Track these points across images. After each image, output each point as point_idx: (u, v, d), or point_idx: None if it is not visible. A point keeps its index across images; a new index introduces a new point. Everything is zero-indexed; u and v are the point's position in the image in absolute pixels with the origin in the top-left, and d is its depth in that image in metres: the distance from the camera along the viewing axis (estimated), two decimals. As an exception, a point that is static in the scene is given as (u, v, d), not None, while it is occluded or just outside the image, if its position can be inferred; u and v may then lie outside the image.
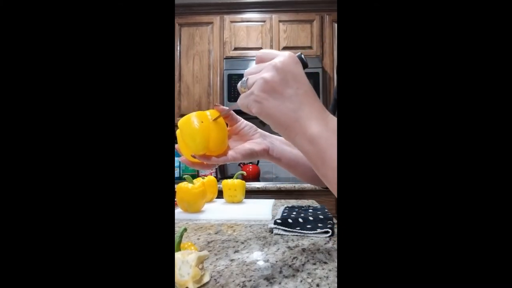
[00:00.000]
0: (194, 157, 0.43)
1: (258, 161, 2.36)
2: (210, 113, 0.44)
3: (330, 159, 0.32)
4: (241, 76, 2.24)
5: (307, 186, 1.89)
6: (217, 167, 0.48)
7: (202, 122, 0.43)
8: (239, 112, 0.42)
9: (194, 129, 0.43)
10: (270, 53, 0.36)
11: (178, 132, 0.45)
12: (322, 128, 0.33)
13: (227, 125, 0.48)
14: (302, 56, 0.37)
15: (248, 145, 0.48)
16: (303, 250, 0.54)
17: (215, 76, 2.21)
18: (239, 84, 0.36)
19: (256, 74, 0.35)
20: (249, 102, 0.34)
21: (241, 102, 0.36)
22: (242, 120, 0.50)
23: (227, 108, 0.46)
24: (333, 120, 0.34)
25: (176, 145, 0.46)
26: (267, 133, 0.51)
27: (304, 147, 0.34)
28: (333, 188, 0.33)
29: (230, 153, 0.45)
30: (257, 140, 0.49)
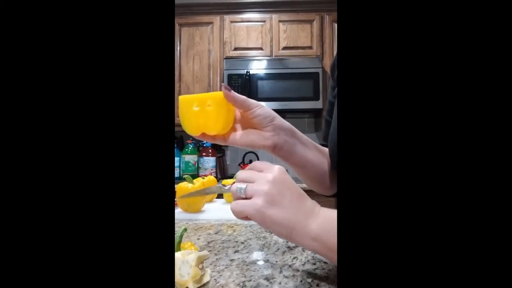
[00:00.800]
0: (191, 135, 0.46)
1: (257, 160, 2.36)
2: (215, 96, 0.45)
3: (335, 246, 0.34)
4: (241, 76, 2.23)
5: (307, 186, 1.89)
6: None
7: (197, 107, 0.45)
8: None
9: (186, 114, 0.46)
10: (261, 166, 0.40)
11: (180, 106, 0.47)
12: (320, 223, 0.36)
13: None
14: None
15: (252, 136, 0.46)
16: (303, 250, 0.54)
17: (215, 76, 2.21)
18: (235, 189, 0.38)
19: (253, 184, 0.38)
20: (250, 210, 0.36)
21: (238, 210, 0.37)
22: (257, 107, 0.46)
23: (233, 94, 0.44)
24: (323, 211, 0.38)
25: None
26: (285, 127, 0.48)
27: (310, 245, 0.37)
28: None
29: (232, 136, 0.47)
30: (266, 134, 0.46)
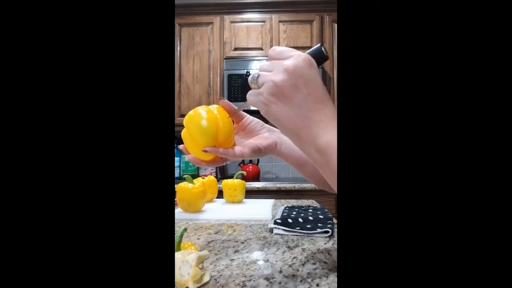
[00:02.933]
0: (205, 151, 0.42)
1: (258, 161, 2.36)
2: (215, 108, 0.44)
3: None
4: (241, 76, 2.23)
5: (307, 186, 1.89)
6: (220, 163, 0.47)
7: (209, 112, 0.43)
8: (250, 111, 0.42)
9: (202, 119, 0.43)
10: (285, 51, 0.34)
11: (183, 131, 0.45)
12: (332, 137, 0.31)
13: (233, 122, 0.48)
14: (323, 49, 0.35)
15: (255, 141, 0.47)
16: (303, 250, 0.54)
17: (215, 76, 2.21)
18: (250, 78, 0.35)
19: (268, 72, 0.33)
20: (257, 102, 0.34)
21: (250, 99, 0.35)
22: (248, 116, 0.49)
23: (231, 104, 0.45)
24: None
25: (181, 146, 0.46)
26: (275, 129, 0.50)
27: (312, 155, 0.33)
28: None
29: (238, 148, 0.44)
30: (265, 135, 0.48)
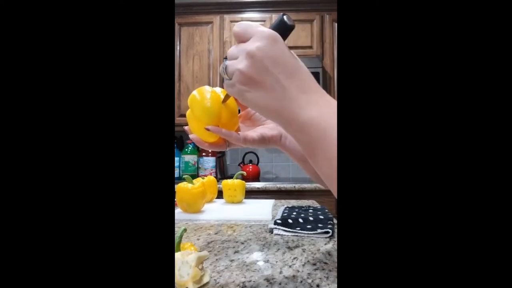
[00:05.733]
0: (207, 129, 0.42)
1: (258, 161, 2.36)
2: (220, 91, 0.44)
3: (323, 148, 0.29)
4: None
5: (307, 186, 1.89)
6: (223, 147, 0.46)
7: (213, 92, 0.43)
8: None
9: (206, 98, 0.42)
10: (247, 29, 0.32)
11: (188, 111, 0.45)
12: (315, 113, 0.29)
13: (239, 111, 0.47)
14: (285, 18, 0.32)
15: (259, 130, 0.46)
16: (303, 250, 0.53)
17: (215, 76, 2.21)
18: (220, 69, 0.34)
19: (234, 61, 0.31)
20: (232, 93, 0.32)
21: (227, 90, 0.34)
22: None
23: None
24: (326, 102, 0.30)
25: (186, 127, 0.46)
26: None
27: (296, 136, 0.31)
28: (329, 182, 0.30)
29: (242, 133, 0.44)
30: (270, 126, 0.47)
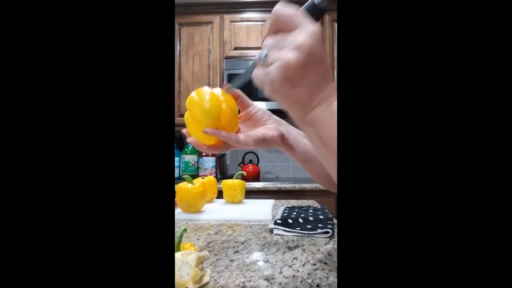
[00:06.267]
0: (206, 132, 0.41)
1: (258, 161, 2.36)
2: (219, 92, 0.43)
3: (328, 139, 0.31)
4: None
5: (307, 186, 1.89)
6: (223, 150, 0.45)
7: (211, 93, 0.42)
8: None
9: (204, 99, 0.41)
10: (291, 21, 0.30)
11: (186, 114, 0.44)
12: (326, 113, 0.31)
13: (239, 111, 0.46)
14: (316, 1, 0.32)
15: (261, 130, 0.45)
16: (303, 250, 0.53)
17: (215, 76, 2.21)
18: (256, 58, 0.32)
19: (277, 50, 0.30)
20: (264, 81, 0.31)
21: (257, 77, 0.32)
22: (255, 105, 0.47)
23: (235, 89, 0.44)
24: (335, 104, 0.32)
25: (184, 130, 0.45)
26: (283, 121, 0.48)
27: (306, 130, 0.33)
28: (335, 174, 0.32)
29: (242, 135, 0.42)
30: (271, 126, 0.46)
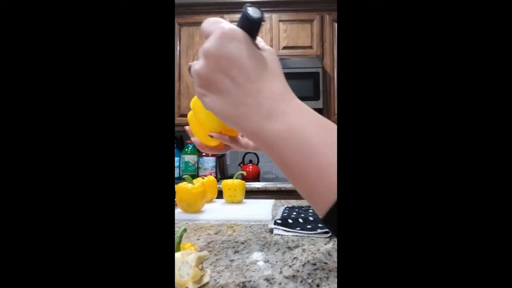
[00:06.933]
0: (211, 136, 0.40)
1: (258, 161, 2.36)
2: None
3: (295, 167, 0.25)
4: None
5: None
6: (223, 151, 0.45)
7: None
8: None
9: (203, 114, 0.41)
10: (207, 29, 0.28)
11: (190, 113, 0.44)
12: (284, 126, 0.25)
13: None
14: (248, 11, 0.28)
15: None
16: (303, 250, 0.53)
17: (215, 76, 2.20)
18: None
19: (196, 61, 0.29)
20: (197, 96, 0.30)
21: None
22: None
23: None
24: (296, 110, 0.25)
25: (187, 127, 0.45)
26: None
27: (262, 149, 0.27)
28: (309, 197, 0.26)
29: (244, 140, 0.43)
30: None
